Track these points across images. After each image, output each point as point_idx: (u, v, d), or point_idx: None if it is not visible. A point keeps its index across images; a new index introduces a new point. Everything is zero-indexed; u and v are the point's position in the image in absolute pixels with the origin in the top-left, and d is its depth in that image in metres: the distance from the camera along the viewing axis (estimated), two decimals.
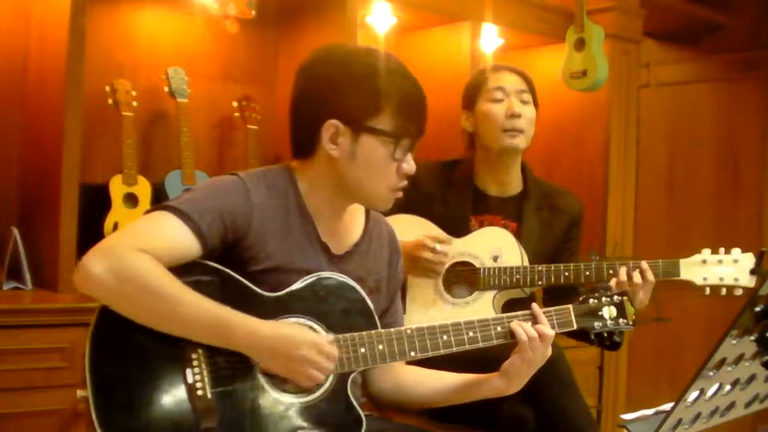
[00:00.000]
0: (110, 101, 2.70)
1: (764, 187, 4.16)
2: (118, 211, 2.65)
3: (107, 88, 2.71)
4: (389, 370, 1.73)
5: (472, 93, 2.30)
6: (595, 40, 3.43)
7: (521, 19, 3.60)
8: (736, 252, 2.07)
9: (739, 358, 1.24)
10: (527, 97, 2.28)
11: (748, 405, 1.39)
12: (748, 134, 4.22)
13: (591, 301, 1.71)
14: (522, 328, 1.61)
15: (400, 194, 1.61)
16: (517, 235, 2.23)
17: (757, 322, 1.21)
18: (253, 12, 2.87)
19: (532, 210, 2.28)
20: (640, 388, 4.00)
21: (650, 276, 2.05)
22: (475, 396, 1.69)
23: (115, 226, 2.61)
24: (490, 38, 3.61)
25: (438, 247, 2.14)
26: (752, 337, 1.23)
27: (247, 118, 3.03)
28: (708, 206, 4.36)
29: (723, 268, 2.06)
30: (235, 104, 3.05)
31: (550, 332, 1.62)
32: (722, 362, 1.22)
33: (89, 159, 2.73)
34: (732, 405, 1.35)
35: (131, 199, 2.68)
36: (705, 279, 2.07)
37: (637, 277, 2.04)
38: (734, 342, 1.20)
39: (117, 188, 2.66)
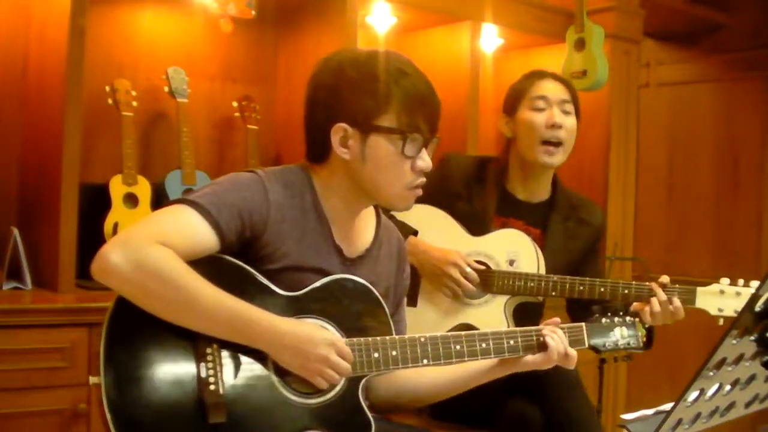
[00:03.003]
0: (110, 101, 2.70)
1: (764, 187, 4.16)
2: (118, 211, 2.64)
3: (107, 88, 2.71)
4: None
5: (514, 99, 2.27)
6: (595, 40, 3.43)
7: (521, 19, 3.59)
8: (755, 285, 1.96)
9: (739, 358, 1.24)
10: (570, 107, 2.24)
11: (748, 405, 1.38)
12: (748, 134, 4.22)
13: (603, 320, 1.76)
14: (559, 346, 1.65)
15: (419, 192, 1.60)
16: (541, 242, 2.20)
17: (757, 322, 1.21)
18: (253, 12, 2.87)
19: (559, 220, 2.26)
20: (640, 388, 4.00)
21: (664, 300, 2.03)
22: (470, 386, 1.71)
23: (115, 226, 2.61)
24: (490, 38, 3.61)
25: (468, 269, 2.12)
26: (752, 337, 1.23)
27: (247, 118, 3.03)
28: (708, 206, 4.36)
29: (740, 301, 2.00)
30: (235, 104, 3.05)
31: (575, 354, 1.68)
32: (722, 362, 1.22)
33: (89, 159, 2.73)
34: (732, 405, 1.35)
35: (131, 199, 2.68)
36: (720, 310, 2.02)
37: (659, 304, 2.02)
38: (734, 342, 1.20)
39: (117, 188, 2.66)
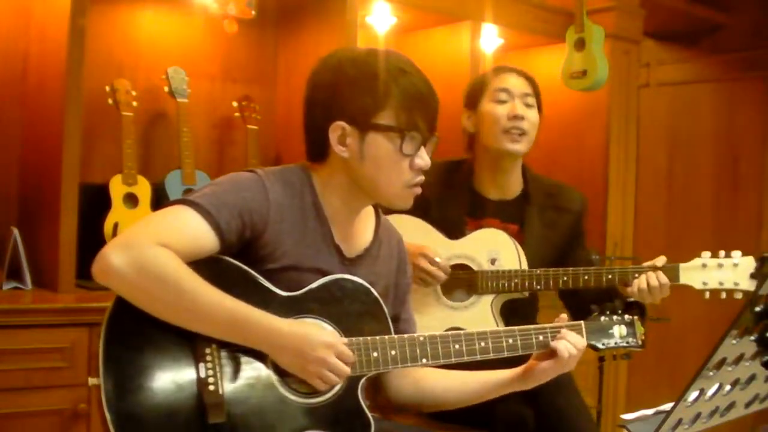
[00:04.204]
0: (110, 101, 2.70)
1: (764, 187, 4.16)
2: (118, 211, 2.65)
3: (107, 88, 2.71)
4: (409, 371, 1.73)
5: (476, 93, 2.27)
6: (595, 40, 3.43)
7: (521, 19, 3.60)
8: (736, 255, 2.03)
9: (739, 358, 1.25)
10: (531, 101, 2.24)
11: (748, 405, 1.39)
12: (748, 134, 4.22)
13: (602, 319, 1.77)
14: (566, 344, 1.65)
15: (418, 190, 1.61)
16: (520, 237, 2.20)
17: (757, 322, 1.21)
18: (253, 12, 2.87)
19: (535, 212, 2.25)
20: (640, 388, 4.01)
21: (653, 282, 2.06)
22: (494, 395, 1.73)
23: (115, 227, 2.61)
24: (490, 38, 3.61)
25: (437, 259, 2.12)
26: (752, 337, 1.23)
27: (247, 118, 3.03)
28: (708, 206, 4.36)
29: (723, 273, 2.03)
30: (235, 104, 3.05)
31: (583, 342, 1.69)
32: (722, 362, 1.22)
33: (89, 159, 2.73)
34: (732, 405, 1.35)
35: (131, 199, 2.68)
36: (705, 284, 2.04)
37: (648, 281, 2.05)
38: (734, 342, 1.20)
39: (117, 188, 2.66)
